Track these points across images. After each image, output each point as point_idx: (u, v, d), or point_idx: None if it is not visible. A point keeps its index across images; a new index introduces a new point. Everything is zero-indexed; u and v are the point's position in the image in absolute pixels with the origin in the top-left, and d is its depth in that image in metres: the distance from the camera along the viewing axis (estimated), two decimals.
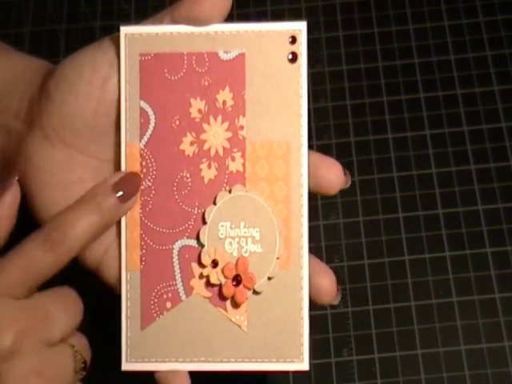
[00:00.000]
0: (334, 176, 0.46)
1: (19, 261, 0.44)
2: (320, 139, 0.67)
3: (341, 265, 0.63)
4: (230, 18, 0.46)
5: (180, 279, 0.46)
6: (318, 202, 0.65)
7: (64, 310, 0.45)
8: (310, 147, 0.46)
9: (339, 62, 0.71)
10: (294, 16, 0.72)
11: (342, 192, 0.64)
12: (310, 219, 0.46)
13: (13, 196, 0.46)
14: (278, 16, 0.73)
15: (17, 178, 0.47)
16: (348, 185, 0.47)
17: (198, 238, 0.46)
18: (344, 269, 0.63)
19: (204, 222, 0.46)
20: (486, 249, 0.63)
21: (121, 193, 0.46)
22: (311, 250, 0.46)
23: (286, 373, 0.59)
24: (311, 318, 0.46)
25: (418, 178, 0.66)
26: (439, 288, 0.62)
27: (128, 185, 0.46)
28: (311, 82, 0.70)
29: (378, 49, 0.71)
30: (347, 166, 0.48)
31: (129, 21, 0.54)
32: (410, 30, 0.72)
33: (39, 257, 0.44)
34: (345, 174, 0.47)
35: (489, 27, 0.71)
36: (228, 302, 0.46)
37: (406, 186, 0.65)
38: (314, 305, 0.46)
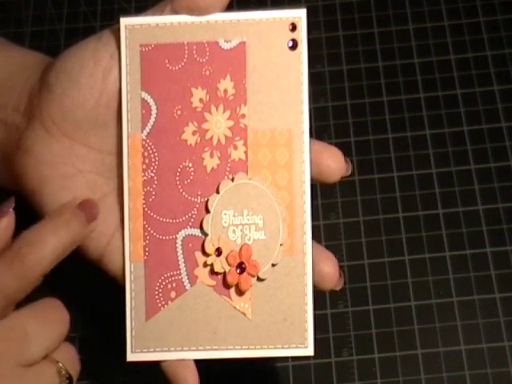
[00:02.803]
0: (335, 163, 0.46)
1: None
2: (320, 139, 0.66)
3: (341, 265, 0.62)
4: (230, 9, 0.46)
5: (184, 268, 0.46)
6: (318, 202, 0.65)
7: (44, 325, 0.44)
8: None
9: (339, 61, 0.71)
10: None
11: (342, 192, 0.64)
12: (311, 217, 0.46)
13: (8, 221, 0.46)
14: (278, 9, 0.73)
15: (13, 205, 0.46)
16: (349, 172, 0.47)
17: (201, 227, 0.46)
18: (344, 269, 0.62)
19: (207, 211, 0.46)
20: (485, 249, 0.63)
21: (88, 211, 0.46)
22: None
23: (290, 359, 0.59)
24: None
25: (417, 177, 0.66)
26: (439, 288, 0.61)
27: (90, 207, 0.47)
28: (311, 81, 0.70)
29: (378, 49, 0.71)
30: None
31: None
32: (410, 30, 0.72)
33: (8, 274, 0.43)
34: (346, 161, 0.47)
35: (489, 27, 0.71)
36: (232, 290, 0.46)
37: (406, 185, 0.65)
38: (317, 290, 0.46)
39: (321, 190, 0.64)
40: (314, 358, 0.47)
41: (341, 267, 0.61)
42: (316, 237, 0.62)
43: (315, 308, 0.47)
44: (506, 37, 0.71)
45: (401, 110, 0.68)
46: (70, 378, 0.45)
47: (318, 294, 0.48)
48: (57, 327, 0.45)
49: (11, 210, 0.46)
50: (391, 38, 0.72)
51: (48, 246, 0.44)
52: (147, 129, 0.46)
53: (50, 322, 0.45)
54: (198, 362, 0.48)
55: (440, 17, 0.72)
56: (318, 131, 0.67)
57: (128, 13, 0.74)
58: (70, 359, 0.46)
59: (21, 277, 0.44)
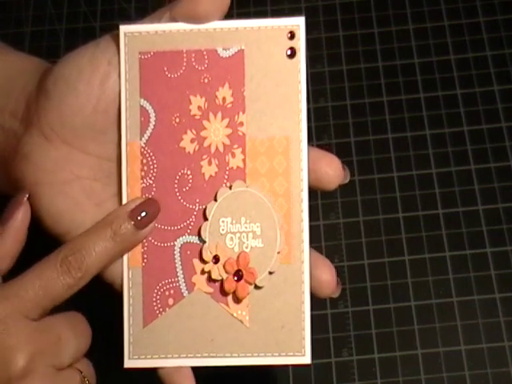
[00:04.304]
0: (332, 171, 0.46)
1: (36, 281, 0.44)
2: (320, 139, 0.67)
3: (341, 265, 0.63)
4: (230, 17, 0.46)
5: (182, 275, 0.46)
6: (318, 202, 0.65)
7: (74, 334, 0.45)
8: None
9: (339, 61, 0.71)
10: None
11: (342, 192, 0.64)
12: (310, 219, 0.46)
13: (24, 212, 0.47)
14: (277, 16, 0.73)
15: (27, 196, 0.47)
16: (347, 180, 0.47)
17: (199, 235, 0.46)
18: (344, 269, 0.63)
19: (205, 219, 0.46)
20: (486, 249, 0.63)
21: (139, 218, 0.46)
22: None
23: (288, 366, 0.59)
24: (311, 317, 0.46)
25: (418, 177, 0.66)
26: (439, 288, 0.62)
27: (146, 211, 0.46)
28: (311, 81, 0.70)
29: (378, 49, 0.71)
30: (347, 166, 0.48)
31: (129, 20, 0.54)
32: (410, 30, 0.72)
33: (56, 279, 0.44)
34: (344, 169, 0.47)
35: (489, 27, 0.71)
36: (230, 298, 0.46)
37: (406, 186, 0.65)
38: (314, 298, 0.47)
39: (321, 191, 0.64)
40: (313, 358, 0.47)
41: (341, 267, 0.61)
42: (316, 237, 0.63)
43: (315, 309, 0.47)
44: (506, 37, 0.71)
45: (401, 110, 0.68)
46: None
47: None
48: (83, 339, 0.46)
49: (25, 199, 0.47)
50: (391, 38, 0.72)
51: (94, 257, 0.45)
52: (146, 136, 0.46)
53: (78, 332, 0.45)
54: (195, 367, 0.48)
55: (440, 17, 0.72)
56: (318, 131, 0.67)
57: (128, 13, 0.73)
58: (89, 372, 0.47)
59: (66, 284, 0.44)
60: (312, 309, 0.47)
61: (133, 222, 0.46)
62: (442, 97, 0.68)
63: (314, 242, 0.57)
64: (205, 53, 0.46)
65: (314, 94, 0.69)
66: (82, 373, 0.45)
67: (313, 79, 0.70)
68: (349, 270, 0.63)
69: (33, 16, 0.75)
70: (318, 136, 0.67)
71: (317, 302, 0.48)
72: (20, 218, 0.47)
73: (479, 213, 0.64)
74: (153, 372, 0.48)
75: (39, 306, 0.44)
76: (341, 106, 0.69)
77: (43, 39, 0.73)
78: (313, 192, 0.47)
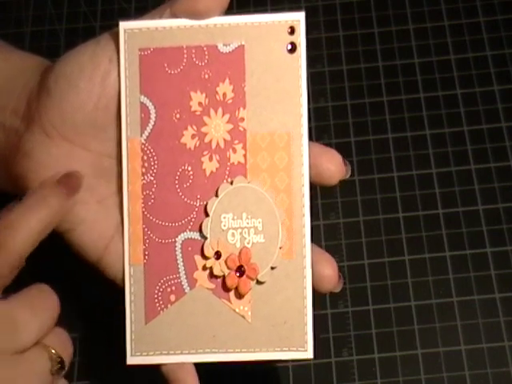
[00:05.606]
0: (334, 166, 0.46)
1: None
2: (320, 139, 0.67)
3: (341, 265, 0.62)
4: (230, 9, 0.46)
5: (183, 272, 0.46)
6: (319, 202, 0.65)
7: (33, 311, 0.44)
8: None
9: (339, 61, 0.71)
10: None
11: (342, 192, 0.64)
12: (310, 219, 0.46)
13: None
14: None
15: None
16: (348, 175, 0.47)
17: (200, 231, 0.46)
18: (344, 269, 0.62)
19: (206, 215, 0.46)
20: (486, 249, 0.63)
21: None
22: None
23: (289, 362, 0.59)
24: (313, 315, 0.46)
25: (418, 177, 0.66)
26: (439, 288, 0.61)
27: (71, 180, 0.46)
28: (311, 81, 0.70)
29: (378, 49, 0.71)
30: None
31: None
32: (410, 30, 0.72)
33: None
34: (345, 164, 0.47)
35: (489, 27, 0.71)
36: (232, 293, 0.46)
37: (406, 186, 0.65)
38: (315, 296, 0.47)
39: (321, 189, 0.64)
40: (314, 358, 0.47)
41: (341, 267, 0.61)
42: (316, 237, 0.63)
43: (315, 308, 0.47)
44: (506, 37, 0.71)
45: (401, 110, 0.68)
46: (61, 361, 0.45)
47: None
48: (46, 313, 0.44)
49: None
50: (391, 38, 0.72)
51: (27, 227, 0.44)
52: (146, 132, 0.46)
53: (39, 308, 0.44)
54: (198, 363, 0.48)
55: (440, 17, 0.72)
56: (318, 131, 0.67)
57: (128, 13, 0.74)
58: (61, 343, 0.45)
59: (3, 262, 0.43)
60: (312, 308, 0.47)
61: (63, 188, 0.46)
62: (442, 97, 0.68)
63: (315, 242, 0.57)
64: (205, 48, 0.46)
65: (313, 94, 0.69)
66: (49, 347, 0.44)
67: (313, 79, 0.70)
68: (349, 270, 0.62)
69: (33, 16, 0.75)
70: (317, 136, 0.67)
71: (317, 301, 0.48)
72: None
73: (479, 213, 0.64)
74: (155, 369, 0.48)
75: None
76: (341, 106, 0.69)
77: (43, 39, 0.73)
78: (313, 192, 0.47)
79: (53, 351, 0.44)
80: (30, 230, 0.44)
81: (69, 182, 0.46)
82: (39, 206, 0.45)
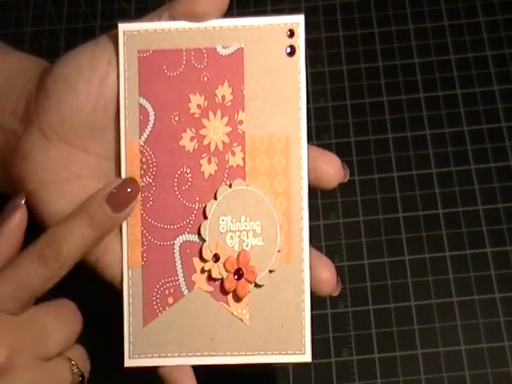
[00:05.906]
0: (332, 169, 0.46)
1: (13, 275, 0.44)
2: (320, 139, 0.67)
3: (341, 265, 0.63)
4: (230, 16, 0.46)
5: (182, 274, 0.46)
6: (318, 202, 0.65)
7: (61, 322, 0.45)
8: None
9: (339, 61, 0.71)
10: None
11: (342, 192, 0.64)
12: (310, 219, 0.47)
13: (21, 216, 0.47)
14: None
15: (24, 200, 0.47)
16: (346, 179, 0.47)
17: (199, 233, 0.46)
18: (344, 269, 0.62)
19: (205, 217, 0.46)
20: (486, 249, 0.63)
21: (116, 201, 0.46)
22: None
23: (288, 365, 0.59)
24: (311, 317, 0.46)
25: (418, 177, 0.66)
26: (439, 288, 0.61)
27: (122, 194, 0.46)
28: (311, 81, 0.70)
29: (378, 49, 0.71)
30: (347, 166, 0.48)
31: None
32: (410, 30, 0.72)
33: (33, 273, 0.44)
34: (343, 167, 0.47)
35: (489, 27, 0.71)
36: (230, 296, 0.46)
37: (406, 186, 0.65)
38: (314, 297, 0.47)
39: (321, 190, 0.64)
40: (313, 358, 0.47)
41: (341, 267, 0.61)
42: (316, 237, 0.63)
43: (315, 308, 0.47)
44: (506, 37, 0.71)
45: (401, 110, 0.68)
46: (82, 376, 0.46)
47: None
48: (72, 327, 0.46)
49: (22, 203, 0.47)
50: (391, 38, 0.72)
51: (71, 245, 0.45)
52: (145, 135, 0.46)
53: (66, 320, 0.46)
54: (196, 365, 0.48)
55: (440, 17, 0.72)
56: (317, 131, 0.67)
57: (128, 13, 0.74)
58: (82, 359, 0.47)
59: (44, 275, 0.44)
60: (312, 308, 0.47)
61: (110, 206, 0.45)
62: (442, 97, 0.68)
63: (314, 242, 0.57)
64: (204, 51, 0.46)
65: (313, 94, 0.69)
66: (71, 360, 0.45)
67: (313, 79, 0.70)
68: (349, 270, 0.62)
69: (33, 16, 0.75)
70: (317, 136, 0.67)
71: (317, 301, 0.48)
72: (16, 222, 0.47)
73: (479, 213, 0.64)
74: (153, 371, 0.48)
75: (18, 301, 0.44)
76: (341, 106, 0.69)
77: (43, 39, 0.73)
78: (313, 192, 0.47)
79: (74, 364, 0.45)
80: (73, 250, 0.45)
81: (117, 197, 0.46)
82: (82, 225, 0.45)
